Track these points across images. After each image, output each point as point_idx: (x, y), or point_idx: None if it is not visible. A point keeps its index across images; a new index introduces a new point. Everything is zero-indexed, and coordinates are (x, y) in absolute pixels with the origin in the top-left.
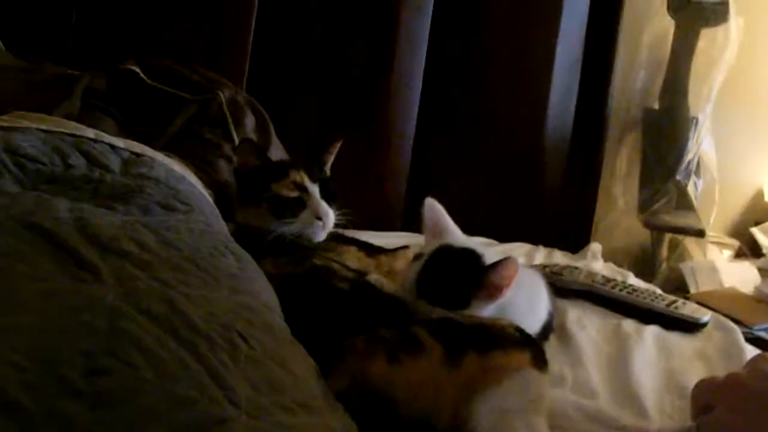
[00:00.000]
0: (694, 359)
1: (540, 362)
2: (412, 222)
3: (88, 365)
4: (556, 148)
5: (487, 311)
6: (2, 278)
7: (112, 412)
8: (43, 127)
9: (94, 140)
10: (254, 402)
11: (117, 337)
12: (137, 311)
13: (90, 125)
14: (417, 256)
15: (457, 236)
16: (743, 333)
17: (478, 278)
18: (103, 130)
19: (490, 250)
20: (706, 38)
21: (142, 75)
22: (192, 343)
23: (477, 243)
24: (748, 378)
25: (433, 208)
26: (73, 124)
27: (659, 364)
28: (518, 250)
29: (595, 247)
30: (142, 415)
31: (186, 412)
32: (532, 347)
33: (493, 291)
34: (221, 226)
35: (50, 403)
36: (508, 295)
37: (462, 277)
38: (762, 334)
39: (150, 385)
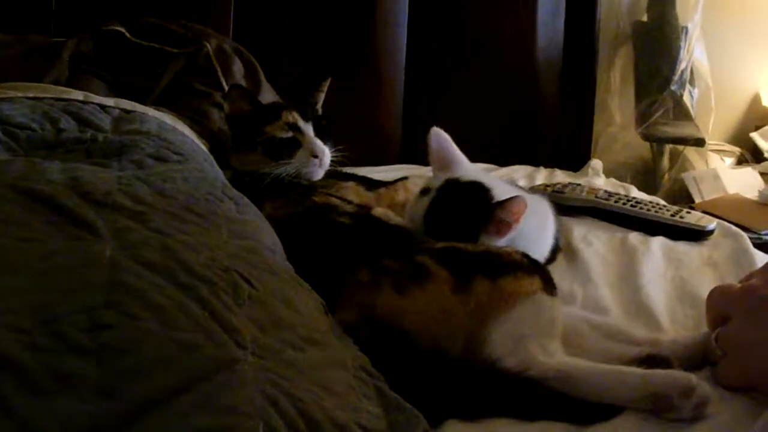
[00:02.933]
0: (703, 267)
1: (550, 286)
2: (410, 153)
3: (91, 321)
4: (548, 68)
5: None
6: None
7: (119, 365)
8: (31, 94)
9: (84, 102)
10: (260, 342)
11: (117, 290)
12: (136, 263)
13: (80, 89)
14: (424, 191)
15: (464, 166)
16: (751, 239)
17: (487, 215)
18: (92, 92)
19: (498, 182)
20: None
21: (127, 34)
22: (193, 288)
23: (483, 172)
24: (762, 289)
25: (439, 137)
26: (61, 88)
27: (668, 274)
28: (519, 172)
29: (596, 163)
30: (149, 364)
31: (192, 358)
32: (541, 272)
33: (502, 227)
34: (217, 173)
35: (54, 361)
36: (516, 229)
37: (470, 215)
38: None
39: (154, 334)
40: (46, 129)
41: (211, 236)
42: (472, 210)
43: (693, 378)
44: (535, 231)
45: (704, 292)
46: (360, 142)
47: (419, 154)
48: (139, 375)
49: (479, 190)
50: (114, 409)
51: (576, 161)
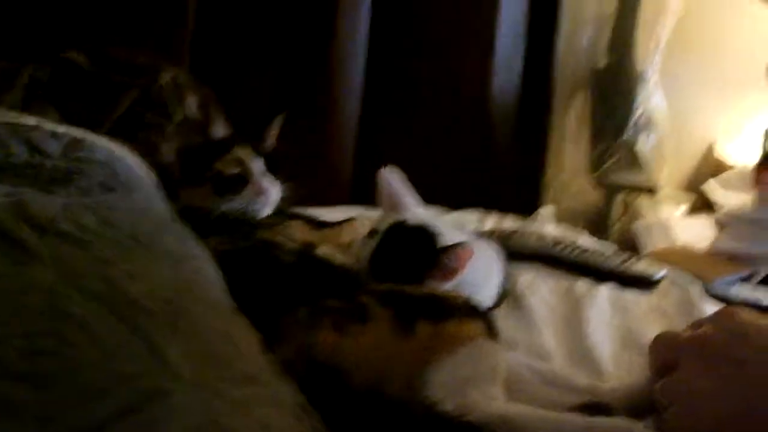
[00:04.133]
0: (651, 316)
1: (492, 332)
2: (361, 194)
3: (28, 346)
4: (503, 112)
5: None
6: None
7: (54, 392)
8: None
9: (35, 128)
10: (197, 375)
11: (57, 317)
12: (77, 290)
13: (34, 116)
14: (371, 233)
15: (414, 208)
16: (701, 289)
17: (432, 260)
18: (46, 120)
19: (445, 227)
20: None
21: (83, 64)
22: (132, 319)
23: (431, 216)
24: (714, 338)
25: (390, 177)
26: (13, 113)
27: (615, 322)
28: (470, 216)
29: (547, 209)
30: (85, 393)
31: (128, 388)
32: (484, 318)
33: (447, 273)
34: (163, 205)
35: None
36: (461, 275)
37: (416, 259)
38: (720, 289)
39: (91, 364)
40: None
41: (153, 267)
42: (417, 254)
43: (638, 426)
44: (481, 277)
45: (650, 341)
46: (311, 182)
47: (370, 196)
48: (75, 403)
49: (425, 234)
50: None
51: (528, 206)
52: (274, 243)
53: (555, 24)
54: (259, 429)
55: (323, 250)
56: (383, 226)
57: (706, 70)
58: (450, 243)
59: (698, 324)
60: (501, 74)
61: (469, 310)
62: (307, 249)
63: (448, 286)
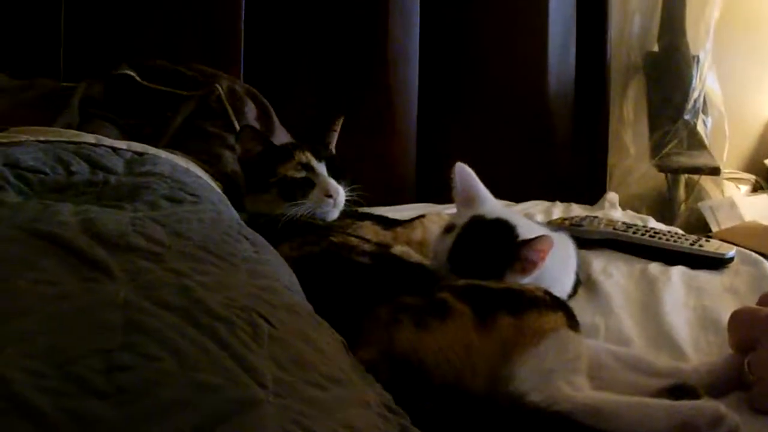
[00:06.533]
0: (724, 295)
1: (573, 322)
2: (425, 191)
3: (107, 363)
4: (560, 103)
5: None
6: (9, 286)
7: (137, 407)
8: (42, 138)
9: (95, 145)
10: (282, 381)
11: (133, 331)
12: (152, 303)
13: (91, 133)
14: (448, 228)
15: (489, 203)
16: None
17: (513, 253)
18: (104, 136)
19: (522, 220)
20: None
21: (137, 78)
22: (211, 328)
23: (507, 209)
24: None
25: (463, 173)
26: (73, 132)
27: (690, 303)
28: (535, 208)
29: (612, 196)
30: (168, 406)
31: (212, 399)
32: (564, 308)
33: (528, 266)
34: (232, 214)
35: (72, 404)
36: (541, 268)
37: (496, 253)
38: None
39: (172, 376)
40: (58, 172)
41: (228, 276)
42: (497, 248)
43: (721, 407)
44: (558, 268)
45: (727, 320)
46: (375, 182)
47: (434, 193)
48: (157, 417)
49: (505, 228)
50: None
51: (592, 195)
52: (348, 246)
53: (605, 11)
54: (345, 431)
55: (398, 250)
56: (461, 221)
57: (757, 50)
58: (529, 236)
59: None
60: (555, 65)
61: (548, 302)
62: (382, 250)
63: (527, 280)
